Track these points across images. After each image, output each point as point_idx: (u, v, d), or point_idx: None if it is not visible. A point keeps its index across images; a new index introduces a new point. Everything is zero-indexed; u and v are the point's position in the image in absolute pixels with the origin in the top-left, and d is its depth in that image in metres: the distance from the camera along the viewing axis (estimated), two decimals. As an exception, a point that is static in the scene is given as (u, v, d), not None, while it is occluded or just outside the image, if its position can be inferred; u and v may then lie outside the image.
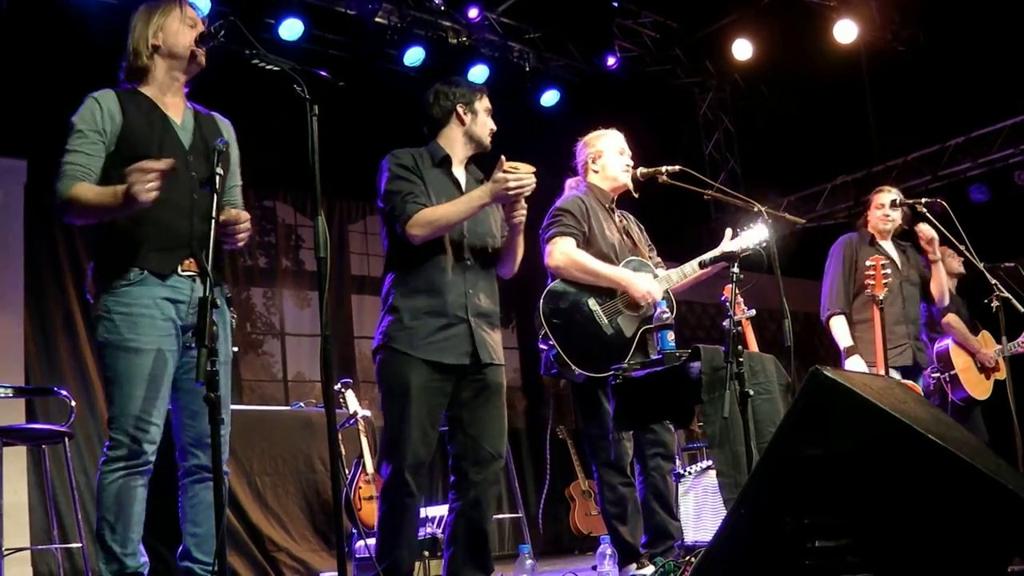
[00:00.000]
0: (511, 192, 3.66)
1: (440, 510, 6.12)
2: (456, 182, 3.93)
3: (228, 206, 3.46)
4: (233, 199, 3.55)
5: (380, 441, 3.76)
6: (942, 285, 5.82)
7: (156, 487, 3.25)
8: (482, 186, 3.75)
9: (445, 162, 3.94)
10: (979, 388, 6.61)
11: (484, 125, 4.01)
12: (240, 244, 3.36)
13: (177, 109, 3.42)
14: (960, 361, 6.61)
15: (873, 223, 5.84)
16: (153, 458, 3.19)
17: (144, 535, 3.22)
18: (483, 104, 4.02)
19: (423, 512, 5.50)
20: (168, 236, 3.22)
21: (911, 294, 5.76)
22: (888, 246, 5.83)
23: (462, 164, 4.01)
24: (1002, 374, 6.60)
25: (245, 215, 3.34)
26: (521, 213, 3.79)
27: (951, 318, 6.59)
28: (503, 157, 3.70)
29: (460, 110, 3.97)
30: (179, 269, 3.27)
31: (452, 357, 3.73)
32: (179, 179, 3.21)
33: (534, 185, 3.70)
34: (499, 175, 3.66)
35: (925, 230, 5.61)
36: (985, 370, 6.63)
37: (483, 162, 4.01)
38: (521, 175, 3.66)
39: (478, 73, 8.45)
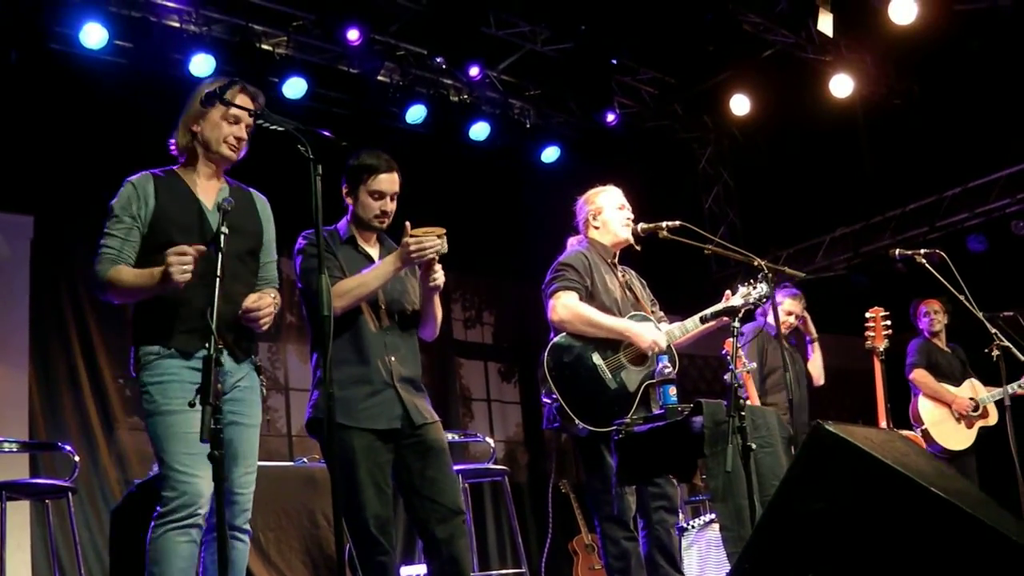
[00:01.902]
0: (415, 256, 3.72)
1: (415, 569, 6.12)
2: (367, 256, 3.97)
3: (264, 283, 3.62)
4: (267, 275, 3.66)
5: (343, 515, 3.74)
6: (819, 365, 6.41)
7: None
8: (392, 254, 3.82)
9: (351, 240, 3.99)
10: (954, 439, 6.71)
11: (368, 208, 3.93)
12: (263, 327, 3.46)
13: (209, 192, 3.51)
14: (931, 415, 6.75)
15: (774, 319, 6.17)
16: (204, 511, 3.26)
17: None
18: (370, 186, 3.91)
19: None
20: (194, 319, 3.32)
21: (804, 383, 6.30)
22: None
23: (369, 241, 4.02)
24: (991, 421, 6.69)
25: (266, 299, 3.44)
26: (436, 277, 3.83)
27: (917, 374, 6.82)
28: (407, 224, 3.76)
29: (344, 193, 3.99)
30: (205, 345, 3.33)
31: (384, 422, 3.78)
32: (209, 263, 3.26)
33: (444, 247, 3.74)
34: (405, 240, 3.73)
35: (803, 314, 6.35)
36: (965, 419, 6.71)
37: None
38: (423, 239, 3.70)
39: (479, 130, 8.56)
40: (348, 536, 3.78)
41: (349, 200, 3.99)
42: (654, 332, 4.39)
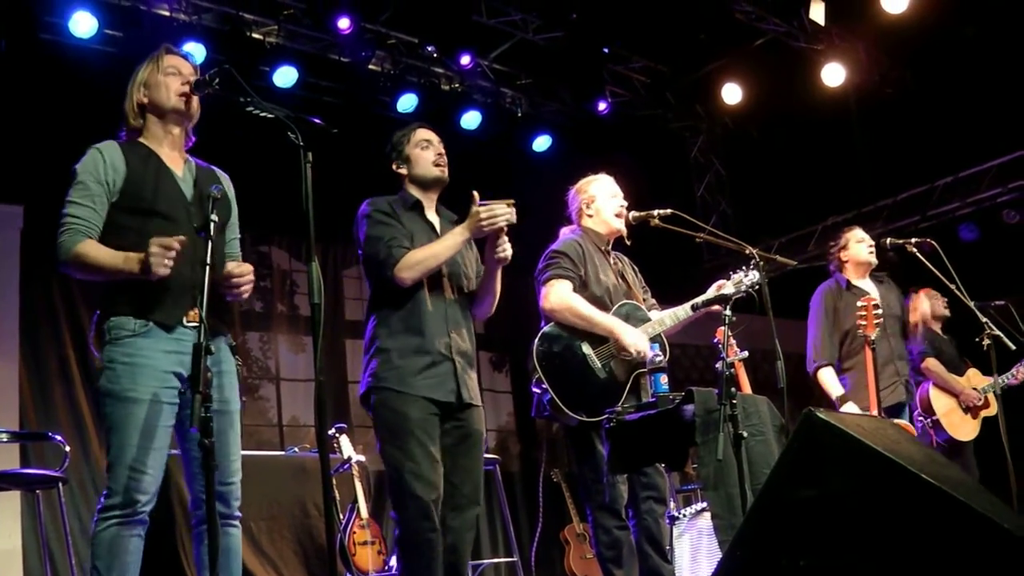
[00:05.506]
0: (485, 225, 3.73)
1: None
2: (431, 225, 3.98)
3: (227, 258, 3.51)
4: (232, 251, 3.58)
5: (388, 487, 3.75)
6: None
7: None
8: (460, 225, 3.83)
9: (417, 206, 3.99)
10: (963, 429, 6.65)
11: (423, 160, 4.00)
12: (244, 295, 3.39)
13: (176, 161, 3.44)
14: (941, 404, 6.67)
15: (856, 259, 5.88)
16: (147, 508, 3.17)
17: None
18: (414, 142, 4.00)
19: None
20: (172, 288, 3.22)
21: (895, 330, 5.86)
22: (867, 284, 5.91)
23: (432, 207, 4.05)
24: (992, 410, 6.65)
25: (247, 267, 3.37)
26: (505, 248, 3.85)
27: (930, 362, 6.68)
28: (475, 193, 3.78)
29: (395, 166, 4.03)
30: (184, 320, 3.27)
31: (441, 393, 3.80)
32: (181, 230, 3.23)
33: (513, 217, 3.77)
34: (474, 209, 3.75)
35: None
36: (971, 410, 6.69)
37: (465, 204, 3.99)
38: (494, 207, 3.73)
39: (470, 119, 8.54)
40: (394, 512, 3.75)
41: (402, 170, 4.01)
42: (638, 337, 4.31)
